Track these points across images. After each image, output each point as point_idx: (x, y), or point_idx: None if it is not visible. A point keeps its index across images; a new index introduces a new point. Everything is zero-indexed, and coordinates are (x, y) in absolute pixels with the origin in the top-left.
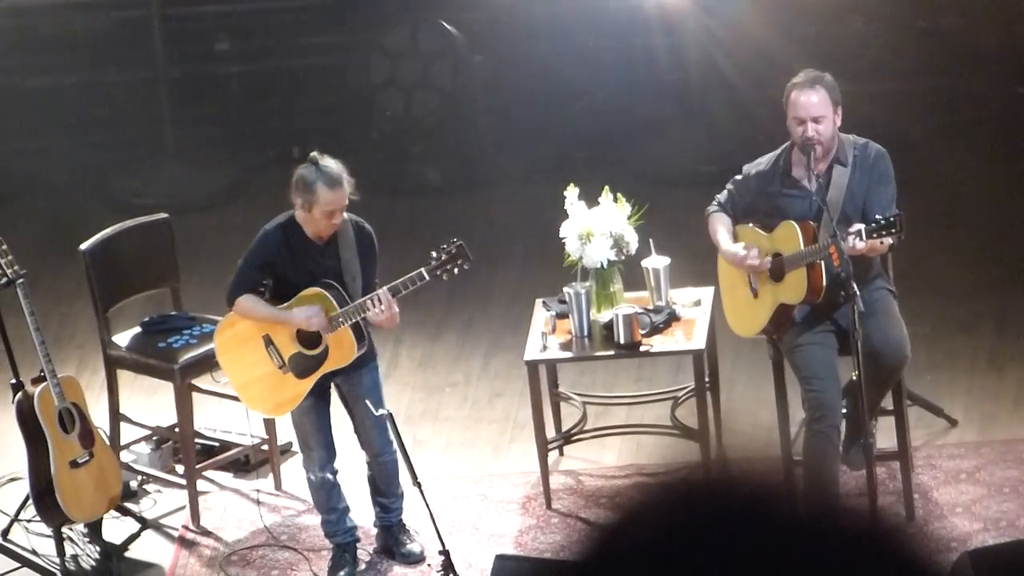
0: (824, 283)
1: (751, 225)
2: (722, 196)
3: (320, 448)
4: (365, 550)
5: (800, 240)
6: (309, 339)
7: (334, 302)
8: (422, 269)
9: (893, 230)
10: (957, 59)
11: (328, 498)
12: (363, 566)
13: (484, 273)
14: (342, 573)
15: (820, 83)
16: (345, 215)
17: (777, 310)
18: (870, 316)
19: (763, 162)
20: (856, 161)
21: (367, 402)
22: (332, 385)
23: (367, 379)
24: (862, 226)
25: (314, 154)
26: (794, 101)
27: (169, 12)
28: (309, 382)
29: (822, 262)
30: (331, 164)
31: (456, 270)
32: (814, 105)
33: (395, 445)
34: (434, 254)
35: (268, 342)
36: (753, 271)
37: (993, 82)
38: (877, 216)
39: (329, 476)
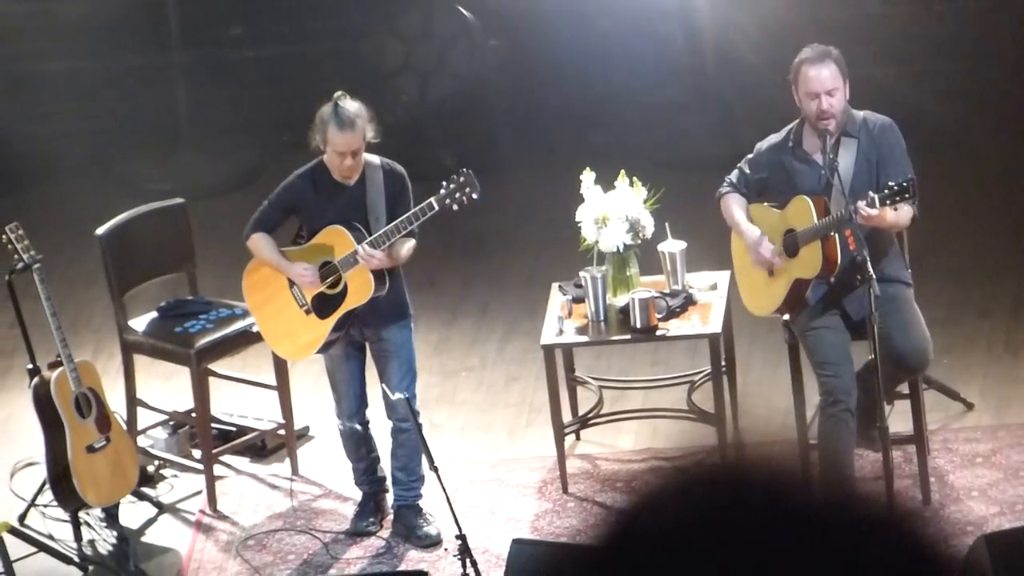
0: (839, 255)
1: (765, 204)
2: (733, 176)
3: (350, 397)
4: (382, 537)
5: (813, 214)
6: (329, 276)
7: (352, 240)
8: (431, 199)
9: (906, 195)
10: (974, 41)
11: (356, 447)
12: (381, 546)
13: (500, 257)
14: (364, 523)
15: (829, 57)
16: (376, 159)
17: (793, 286)
18: (892, 314)
19: (774, 137)
20: (862, 132)
21: (392, 367)
22: (366, 342)
23: (397, 336)
24: (875, 195)
25: (338, 93)
26: (805, 75)
27: None
28: (330, 322)
29: (835, 235)
30: (349, 106)
31: (465, 199)
32: (826, 78)
33: (415, 423)
34: (444, 183)
35: (291, 283)
36: (768, 264)
37: (1010, 64)
38: (890, 183)
39: (358, 427)
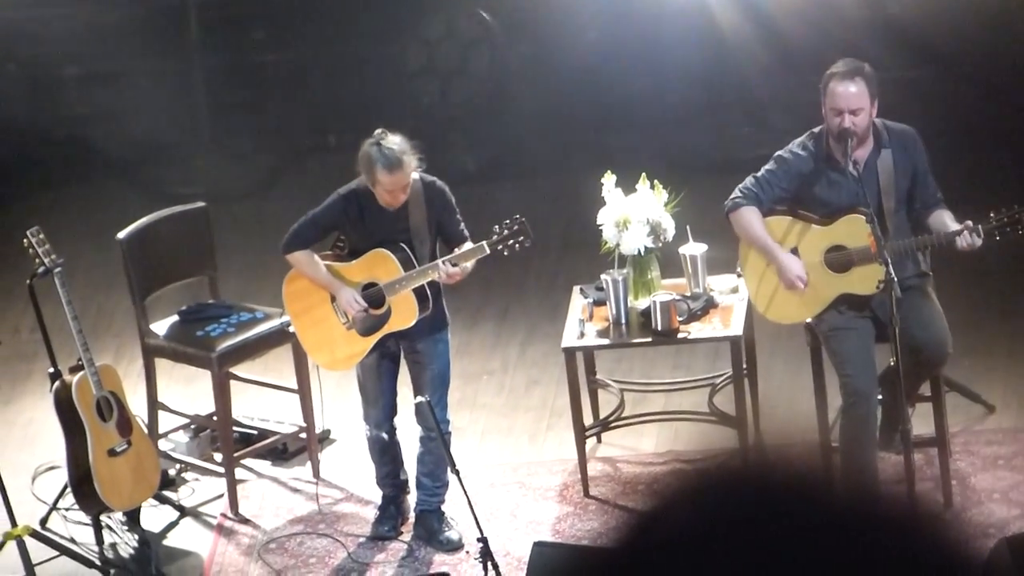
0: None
1: (798, 215)
2: (749, 184)
3: (379, 407)
4: (403, 540)
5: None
6: (373, 298)
7: (398, 264)
8: (483, 243)
9: (1019, 227)
10: (994, 45)
11: (381, 454)
12: (403, 550)
13: (521, 261)
14: (384, 527)
15: (860, 74)
16: (417, 175)
17: (839, 298)
18: (911, 309)
19: (797, 148)
20: (892, 142)
21: (424, 377)
22: (401, 351)
23: (432, 348)
24: (970, 223)
25: (379, 131)
26: (832, 91)
27: (205, 1)
28: (371, 340)
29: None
30: (394, 144)
31: (517, 246)
32: (853, 96)
33: (438, 429)
34: (496, 228)
35: (334, 298)
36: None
37: None
38: (991, 213)
39: (384, 435)
